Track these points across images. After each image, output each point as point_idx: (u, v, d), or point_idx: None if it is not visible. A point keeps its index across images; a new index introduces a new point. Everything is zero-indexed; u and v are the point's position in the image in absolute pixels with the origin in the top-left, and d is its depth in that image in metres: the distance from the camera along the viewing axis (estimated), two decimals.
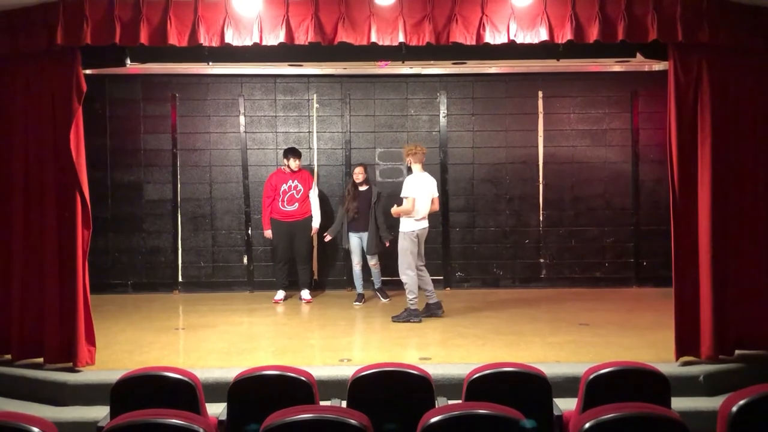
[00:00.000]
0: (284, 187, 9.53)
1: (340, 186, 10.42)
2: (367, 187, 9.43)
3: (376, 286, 9.57)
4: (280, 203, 9.54)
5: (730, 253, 6.65)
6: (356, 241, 9.43)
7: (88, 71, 7.16)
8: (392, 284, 9.74)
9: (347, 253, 10.09)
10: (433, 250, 10.39)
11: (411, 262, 8.26)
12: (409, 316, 8.28)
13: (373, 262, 9.42)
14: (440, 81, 10.50)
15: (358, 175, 9.38)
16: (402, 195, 8.33)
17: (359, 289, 9.55)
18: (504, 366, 4.71)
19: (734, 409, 3.78)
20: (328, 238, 9.58)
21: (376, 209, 9.32)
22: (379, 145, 10.51)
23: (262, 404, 4.05)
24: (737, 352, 6.70)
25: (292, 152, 9.58)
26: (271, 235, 9.67)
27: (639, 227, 10.50)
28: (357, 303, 9.39)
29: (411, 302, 8.28)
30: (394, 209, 8.47)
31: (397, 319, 8.33)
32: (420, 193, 8.29)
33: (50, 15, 6.32)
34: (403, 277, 8.28)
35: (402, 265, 8.29)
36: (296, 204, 9.53)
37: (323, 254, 10.41)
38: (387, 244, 9.34)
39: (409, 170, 8.56)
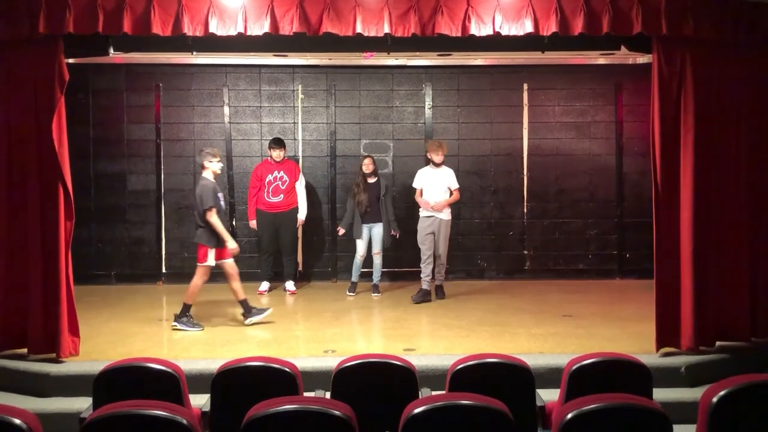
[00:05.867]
0: (269, 177, 9.48)
1: (325, 177, 10.41)
2: (376, 179, 9.32)
3: (374, 281, 9.44)
4: (265, 194, 9.49)
5: (712, 245, 6.70)
6: (366, 234, 9.33)
7: (70, 60, 7.10)
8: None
9: (333, 245, 10.08)
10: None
11: None
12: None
13: (377, 250, 9.33)
14: (425, 72, 10.49)
15: (368, 165, 9.24)
16: (450, 187, 9.03)
17: (356, 278, 9.44)
18: (488, 357, 4.73)
19: (715, 399, 3.82)
20: (341, 231, 9.49)
21: (385, 201, 9.29)
22: (365, 136, 10.49)
23: (246, 395, 4.04)
24: (718, 343, 6.76)
25: (274, 142, 9.54)
26: (256, 226, 9.63)
27: (623, 219, 10.55)
28: (351, 293, 9.38)
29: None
30: (441, 203, 8.95)
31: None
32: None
33: (33, 3, 6.25)
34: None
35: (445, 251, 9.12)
36: (281, 195, 9.49)
37: (309, 245, 10.39)
38: (397, 236, 9.44)
39: (427, 163, 9.09)
